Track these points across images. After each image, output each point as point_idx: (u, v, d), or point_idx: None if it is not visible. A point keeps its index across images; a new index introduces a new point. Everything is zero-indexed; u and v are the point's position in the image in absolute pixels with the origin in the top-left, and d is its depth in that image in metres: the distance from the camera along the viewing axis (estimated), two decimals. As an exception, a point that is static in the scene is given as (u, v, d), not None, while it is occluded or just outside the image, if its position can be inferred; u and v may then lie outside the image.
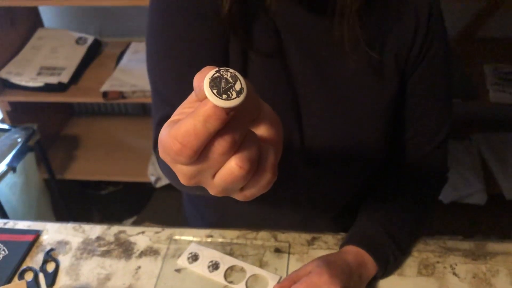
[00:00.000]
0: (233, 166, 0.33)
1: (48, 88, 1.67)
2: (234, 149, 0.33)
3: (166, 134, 0.33)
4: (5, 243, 0.82)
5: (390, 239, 0.72)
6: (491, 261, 0.75)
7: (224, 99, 0.31)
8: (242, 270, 0.75)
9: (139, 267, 0.77)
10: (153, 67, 0.68)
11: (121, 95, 1.63)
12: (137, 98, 1.63)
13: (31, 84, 1.66)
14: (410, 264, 0.75)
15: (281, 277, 0.73)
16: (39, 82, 1.66)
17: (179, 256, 0.77)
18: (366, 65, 0.67)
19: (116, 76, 1.70)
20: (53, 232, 0.84)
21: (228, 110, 0.32)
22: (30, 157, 1.63)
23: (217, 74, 0.32)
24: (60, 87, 1.67)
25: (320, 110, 0.69)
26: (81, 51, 1.79)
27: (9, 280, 0.76)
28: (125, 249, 0.80)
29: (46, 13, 1.94)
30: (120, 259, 0.78)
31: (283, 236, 0.80)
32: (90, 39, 1.83)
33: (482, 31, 1.77)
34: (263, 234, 0.80)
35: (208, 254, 0.77)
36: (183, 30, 0.65)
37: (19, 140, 1.57)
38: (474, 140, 1.88)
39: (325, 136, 0.71)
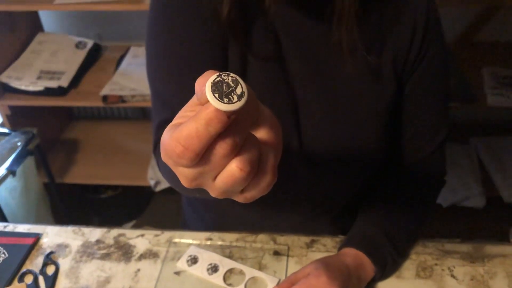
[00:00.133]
0: (234, 168, 0.34)
1: (48, 92, 1.68)
2: (235, 151, 0.34)
3: (168, 137, 0.34)
4: (5, 246, 0.82)
5: (388, 241, 0.72)
6: (489, 263, 0.75)
7: (226, 103, 0.32)
8: (241, 272, 0.75)
9: (138, 270, 0.77)
10: (153, 70, 0.69)
11: (121, 99, 1.63)
12: (136, 102, 1.64)
13: (31, 88, 1.67)
14: (408, 267, 0.75)
15: (280, 280, 0.73)
16: (39, 86, 1.67)
17: (179, 258, 0.78)
18: (364, 68, 0.68)
19: (115, 80, 1.71)
20: (53, 235, 0.84)
21: (229, 114, 0.32)
22: (30, 161, 1.63)
23: (219, 78, 0.32)
24: (60, 91, 1.68)
25: (319, 112, 0.70)
26: (81, 55, 1.80)
27: (9, 283, 0.76)
28: (125, 252, 0.80)
29: (46, 18, 1.95)
30: (119, 262, 0.79)
31: (282, 239, 0.80)
32: (89, 43, 1.84)
33: (480, 35, 1.78)
34: (262, 237, 0.81)
35: (207, 257, 0.78)
36: (183, 33, 0.66)
37: (18, 144, 1.57)
38: (473, 144, 1.89)
39: (324, 138, 0.71)
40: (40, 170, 1.74)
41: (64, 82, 1.69)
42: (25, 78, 1.69)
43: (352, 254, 0.70)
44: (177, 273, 0.76)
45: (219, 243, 0.80)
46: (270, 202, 0.80)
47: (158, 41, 0.67)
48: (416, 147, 0.77)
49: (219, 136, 0.33)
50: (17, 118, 1.76)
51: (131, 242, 0.82)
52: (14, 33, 1.78)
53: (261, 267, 0.76)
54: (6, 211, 1.50)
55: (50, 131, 2.01)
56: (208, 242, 0.81)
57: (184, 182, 0.37)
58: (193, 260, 0.77)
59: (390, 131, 0.74)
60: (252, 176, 0.35)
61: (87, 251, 0.81)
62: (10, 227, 0.86)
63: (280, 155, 0.38)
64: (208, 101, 0.32)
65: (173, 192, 1.94)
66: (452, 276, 0.73)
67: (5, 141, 1.59)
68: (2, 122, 1.76)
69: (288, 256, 0.78)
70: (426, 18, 0.69)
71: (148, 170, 1.89)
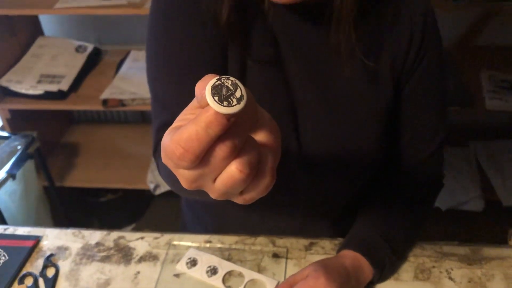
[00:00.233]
0: (234, 170, 0.34)
1: (48, 96, 1.68)
2: (235, 154, 0.34)
3: (169, 139, 0.34)
4: (5, 248, 0.82)
5: (386, 244, 0.73)
6: (486, 265, 0.75)
7: (225, 106, 0.32)
8: (240, 275, 0.76)
9: (138, 272, 0.77)
10: (153, 73, 0.70)
11: (121, 102, 1.64)
12: (136, 106, 1.65)
13: (31, 92, 1.68)
14: (407, 269, 0.76)
15: (278, 282, 0.74)
16: (39, 90, 1.68)
17: (178, 261, 0.78)
18: (362, 72, 0.69)
19: (115, 84, 1.72)
20: (53, 238, 0.85)
21: (229, 117, 0.33)
22: (30, 164, 1.64)
23: (218, 82, 0.33)
24: (60, 95, 1.68)
25: (318, 115, 0.70)
26: (81, 59, 1.81)
27: (9, 285, 0.76)
28: (125, 254, 0.81)
29: (46, 22, 1.96)
30: (119, 264, 0.79)
31: (281, 241, 0.81)
32: (90, 47, 1.85)
33: (478, 40, 1.79)
34: (261, 239, 0.81)
35: (206, 259, 0.78)
36: (182, 36, 0.67)
37: (18, 147, 1.58)
38: (472, 147, 1.90)
39: (322, 141, 0.72)
40: (40, 173, 1.75)
41: (64, 85, 1.70)
42: (25, 82, 1.70)
43: (351, 256, 0.71)
44: (177, 275, 0.77)
45: (218, 245, 0.81)
46: (269, 205, 0.81)
47: (158, 44, 0.68)
48: (414, 149, 0.78)
49: (219, 139, 0.33)
50: (17, 122, 1.76)
51: (131, 244, 0.82)
52: (15, 37, 1.78)
53: (260, 270, 0.76)
54: (6, 215, 1.51)
55: (50, 135, 2.02)
56: (208, 245, 0.81)
57: (184, 184, 0.37)
58: (193, 263, 0.78)
59: (389, 133, 0.75)
60: (251, 178, 0.35)
61: (87, 254, 0.81)
62: (10, 229, 0.87)
63: (279, 158, 0.38)
64: (208, 104, 0.33)
65: (173, 195, 1.94)
66: (450, 278, 0.74)
67: (5, 145, 1.60)
68: (2, 126, 1.76)
69: (287, 258, 0.78)
70: (424, 22, 0.70)
71: (147, 173, 1.90)
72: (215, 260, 0.78)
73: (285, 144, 0.70)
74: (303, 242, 0.81)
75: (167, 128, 0.37)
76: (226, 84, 0.33)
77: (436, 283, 0.73)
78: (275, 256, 0.79)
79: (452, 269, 0.75)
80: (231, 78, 0.33)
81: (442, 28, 0.73)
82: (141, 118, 2.16)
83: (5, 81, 1.69)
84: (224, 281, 0.75)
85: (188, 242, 0.81)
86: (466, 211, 1.72)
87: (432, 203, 0.83)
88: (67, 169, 1.95)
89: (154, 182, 1.86)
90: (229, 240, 0.81)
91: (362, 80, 0.69)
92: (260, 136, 0.37)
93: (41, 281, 0.77)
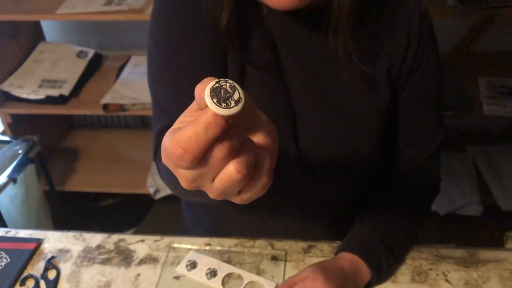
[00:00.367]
0: (232, 170, 0.36)
1: (49, 100, 1.70)
2: (233, 154, 0.35)
3: (169, 140, 0.36)
4: (7, 251, 0.83)
5: (384, 246, 0.73)
6: (483, 268, 0.76)
7: (224, 108, 0.33)
8: (240, 277, 0.77)
9: (138, 275, 0.78)
10: (154, 77, 0.71)
11: (121, 107, 1.65)
12: (137, 111, 1.66)
13: (32, 96, 1.69)
14: (404, 271, 0.77)
15: (277, 284, 0.75)
16: (40, 95, 1.69)
17: (178, 263, 0.79)
18: (360, 77, 0.70)
19: (116, 89, 1.73)
20: (54, 241, 0.85)
21: (227, 118, 0.34)
22: (31, 168, 1.65)
23: (217, 84, 0.34)
24: (61, 100, 1.70)
25: (315, 120, 0.72)
26: (82, 64, 1.82)
27: (11, 287, 0.77)
28: (125, 257, 0.82)
29: (48, 27, 1.97)
30: (120, 266, 0.80)
31: (279, 244, 0.82)
32: (91, 52, 1.86)
33: (476, 46, 1.81)
34: (260, 242, 0.82)
35: (206, 262, 0.79)
36: (183, 42, 0.68)
37: (20, 151, 1.59)
38: (470, 152, 1.91)
39: (320, 145, 0.73)
40: (41, 177, 1.76)
41: (65, 90, 1.71)
42: (27, 87, 1.71)
43: (349, 258, 0.71)
44: (177, 277, 0.77)
45: (218, 248, 0.82)
46: (268, 206, 0.82)
47: (159, 48, 0.69)
48: (411, 152, 0.79)
49: (217, 140, 0.34)
50: (18, 126, 1.77)
51: (131, 247, 0.83)
52: (16, 42, 1.80)
53: (259, 272, 0.77)
54: (6, 219, 1.51)
55: (51, 139, 2.03)
56: (207, 247, 0.82)
57: (184, 184, 0.38)
58: (192, 265, 0.79)
59: (386, 137, 0.76)
60: (248, 178, 0.37)
61: (87, 256, 0.82)
62: (12, 232, 0.88)
63: (276, 159, 0.39)
64: (207, 106, 0.34)
65: (173, 200, 1.94)
66: (447, 280, 0.75)
67: (6, 149, 1.61)
68: (3, 130, 1.77)
69: (285, 261, 0.79)
70: (420, 28, 0.71)
71: (148, 178, 1.90)
72: (214, 263, 0.79)
73: (284, 146, 0.72)
74: (302, 244, 0.81)
75: (167, 131, 0.38)
76: (224, 86, 0.34)
77: (433, 285, 0.74)
78: (274, 258, 0.79)
79: (448, 272, 0.76)
80: (230, 81, 0.34)
81: (440, 34, 0.75)
82: (141, 123, 2.17)
83: (7, 86, 1.70)
84: (223, 283, 0.76)
85: (188, 245, 0.82)
86: (464, 215, 1.72)
87: (429, 207, 0.84)
88: (68, 174, 1.96)
89: (154, 187, 1.87)
90: (228, 243, 0.82)
91: (360, 84, 0.71)
92: (258, 138, 0.38)
93: (42, 283, 0.77)
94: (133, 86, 1.73)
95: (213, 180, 0.37)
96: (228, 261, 0.79)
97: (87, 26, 1.99)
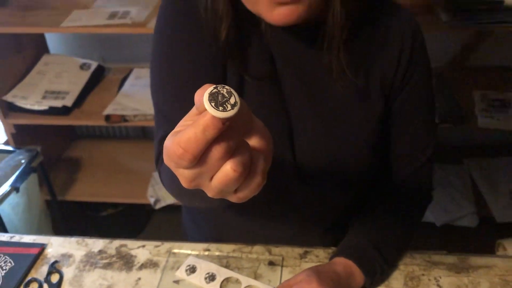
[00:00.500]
0: (228, 169, 0.39)
1: (52, 111, 1.73)
2: (229, 154, 0.38)
3: (171, 142, 0.39)
4: (11, 255, 0.85)
5: (377, 252, 0.76)
6: (473, 274, 0.79)
7: (221, 111, 0.36)
8: (237, 281, 0.79)
9: (139, 279, 0.81)
10: (156, 87, 0.74)
11: (123, 118, 1.68)
12: (138, 122, 1.69)
13: (36, 107, 1.72)
14: (397, 277, 0.79)
15: (274, 288, 0.77)
16: (43, 106, 1.72)
17: (178, 268, 0.81)
18: (353, 89, 0.73)
19: (118, 100, 1.76)
20: (57, 246, 0.88)
21: (224, 121, 0.37)
22: (33, 178, 1.68)
23: (215, 90, 0.37)
24: (64, 111, 1.73)
25: (311, 130, 0.75)
26: (85, 76, 1.86)
27: (15, 290, 0.79)
28: (126, 261, 0.84)
29: (52, 40, 2.01)
30: (121, 271, 0.82)
31: (276, 250, 0.84)
32: (94, 65, 1.90)
33: (471, 60, 1.84)
34: (257, 248, 0.84)
35: (205, 267, 0.81)
36: (185, 52, 0.71)
37: (22, 161, 1.62)
38: (466, 165, 1.94)
39: (316, 154, 0.76)
40: (43, 187, 1.78)
41: (68, 101, 1.74)
42: (31, 98, 1.74)
43: (343, 263, 0.74)
44: (176, 281, 0.80)
45: (217, 253, 0.84)
46: (265, 214, 0.84)
47: (161, 59, 0.73)
48: (404, 162, 0.82)
49: (215, 141, 0.37)
50: (21, 137, 1.80)
51: (132, 252, 0.86)
52: (21, 54, 1.84)
53: (256, 276, 0.79)
54: (8, 227, 1.54)
55: (53, 150, 2.06)
56: (206, 253, 0.84)
57: (184, 183, 0.41)
58: (192, 269, 0.81)
59: (380, 146, 0.79)
60: (244, 177, 0.40)
61: (90, 261, 0.84)
62: (16, 237, 0.90)
63: (270, 161, 0.42)
64: (205, 110, 0.37)
65: (173, 210, 1.96)
66: (438, 286, 0.77)
67: (10, 159, 1.64)
68: (6, 140, 1.80)
69: (282, 266, 0.81)
70: (412, 41, 0.74)
71: (148, 188, 1.93)
72: (213, 267, 0.81)
73: (281, 154, 0.74)
74: (298, 250, 0.84)
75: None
76: (222, 92, 0.37)
77: (425, 290, 0.76)
78: (271, 264, 0.82)
79: (440, 277, 0.78)
80: (226, 87, 0.37)
81: (436, 48, 0.78)
82: (142, 134, 2.20)
83: (11, 97, 1.74)
84: (221, 287, 0.78)
85: (187, 250, 0.85)
86: (460, 226, 1.75)
87: (422, 214, 0.86)
88: (69, 183, 1.98)
89: (154, 197, 1.89)
90: (227, 249, 0.85)
91: (353, 97, 0.74)
92: (253, 141, 0.41)
93: (45, 287, 0.80)
94: (135, 98, 1.76)
95: (211, 179, 0.40)
96: (227, 266, 0.81)
97: (90, 39, 2.03)
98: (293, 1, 0.60)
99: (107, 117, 1.69)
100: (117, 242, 0.88)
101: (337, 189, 0.81)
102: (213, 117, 0.36)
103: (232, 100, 0.37)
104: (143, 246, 0.87)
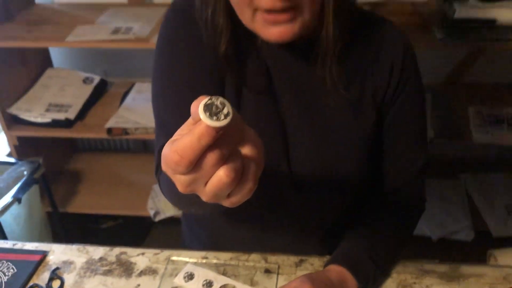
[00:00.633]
0: (222, 174, 0.41)
1: (55, 124, 1.76)
2: (222, 161, 0.41)
3: (168, 149, 0.42)
4: (14, 262, 0.88)
5: (370, 260, 0.78)
6: (464, 282, 0.81)
7: (214, 121, 0.39)
8: (234, 288, 0.81)
9: (138, 285, 0.82)
10: (157, 99, 0.77)
11: (124, 131, 1.71)
12: (139, 134, 1.72)
13: (39, 120, 1.75)
14: (390, 285, 0.81)
15: (269, 295, 0.79)
16: (47, 118, 1.75)
17: (176, 275, 0.83)
18: (346, 102, 0.76)
19: (120, 113, 1.79)
20: (59, 253, 0.90)
21: (217, 129, 0.40)
22: (35, 189, 1.70)
23: (210, 101, 0.40)
24: (66, 123, 1.76)
25: (306, 140, 0.77)
26: (87, 90, 1.89)
27: (17, 295, 0.81)
28: (126, 268, 0.86)
29: (56, 54, 2.05)
30: (121, 277, 0.84)
31: (273, 258, 0.86)
32: (96, 79, 1.93)
33: (466, 77, 1.88)
34: (254, 256, 0.87)
35: (203, 274, 0.83)
36: (184, 67, 0.75)
37: (25, 173, 1.64)
38: (462, 180, 1.96)
39: (310, 164, 0.78)
40: (44, 198, 1.80)
41: (71, 114, 1.77)
42: (34, 110, 1.78)
43: (336, 270, 0.76)
44: (174, 288, 0.82)
45: (214, 261, 0.86)
46: (261, 222, 0.87)
47: (162, 72, 0.76)
48: (396, 173, 0.84)
49: (209, 148, 0.40)
50: (24, 149, 1.83)
51: (132, 259, 0.88)
52: (26, 68, 1.88)
53: (253, 284, 0.81)
54: (9, 237, 1.56)
55: (55, 162, 2.08)
56: (204, 260, 0.86)
57: (180, 188, 0.44)
58: (190, 277, 0.83)
59: (373, 157, 0.81)
60: (236, 182, 0.42)
61: (90, 268, 0.86)
62: (19, 245, 0.92)
63: (261, 168, 0.45)
64: (200, 119, 0.39)
65: (172, 222, 1.97)
66: (430, 293, 0.79)
67: (12, 170, 1.66)
68: (9, 152, 1.83)
69: (278, 274, 0.83)
70: (403, 57, 0.77)
71: (148, 200, 1.95)
72: (210, 275, 0.83)
73: (276, 164, 0.77)
74: (294, 259, 0.86)
75: None
76: (216, 103, 0.40)
77: (417, 298, 0.78)
78: (267, 271, 0.84)
79: (432, 285, 0.80)
80: (220, 98, 0.40)
81: (431, 65, 0.81)
82: (143, 147, 2.23)
83: (15, 109, 1.77)
84: (218, 293, 0.80)
85: (186, 258, 0.87)
86: (456, 240, 1.76)
87: (415, 224, 0.89)
88: (70, 195, 2.00)
89: (154, 209, 1.91)
90: (224, 256, 0.87)
91: (346, 109, 0.77)
92: (246, 149, 0.44)
93: (47, 292, 0.82)
94: (136, 112, 1.79)
95: (205, 184, 0.43)
96: (224, 273, 0.84)
97: (94, 53, 2.07)
98: (287, 20, 0.63)
99: (109, 130, 1.72)
100: (117, 250, 0.90)
101: (331, 198, 0.84)
102: (208, 126, 0.39)
103: (225, 111, 0.40)
104: (143, 253, 0.89)
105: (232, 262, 0.86)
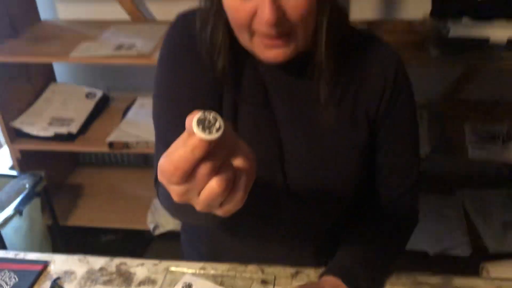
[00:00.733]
0: (214, 185, 0.44)
1: (57, 137, 1.79)
2: (215, 172, 0.44)
3: (164, 160, 0.44)
4: (16, 271, 0.89)
5: (364, 271, 0.80)
6: (456, 294, 0.82)
7: (207, 134, 0.42)
8: (231, 298, 0.83)
9: (137, 295, 0.84)
10: (158, 113, 0.81)
11: (125, 145, 1.74)
12: (140, 148, 1.74)
13: (42, 133, 1.78)
14: (383, 296, 0.83)
15: (266, 305, 0.81)
16: (49, 132, 1.78)
17: (174, 285, 0.85)
18: (340, 117, 0.79)
19: (122, 128, 1.82)
20: (60, 263, 0.92)
21: (210, 142, 0.42)
22: (36, 202, 1.72)
23: (203, 115, 0.43)
24: (69, 137, 1.79)
25: (301, 152, 0.80)
26: (90, 104, 1.92)
27: (19, 304, 0.83)
28: (125, 278, 0.88)
29: (60, 69, 2.09)
30: (120, 287, 0.86)
31: (269, 269, 0.88)
32: (99, 94, 1.97)
33: (461, 94, 1.92)
34: (251, 267, 0.88)
35: (200, 284, 0.85)
36: (184, 82, 0.78)
37: (26, 186, 1.66)
38: (459, 196, 1.98)
39: (306, 175, 0.81)
40: (45, 211, 1.82)
41: (74, 128, 1.80)
42: (37, 124, 1.81)
43: (331, 281, 0.78)
44: (173, 298, 0.83)
45: (212, 272, 0.88)
46: (257, 233, 0.89)
47: (163, 87, 0.80)
48: (389, 186, 0.87)
49: (202, 160, 0.43)
50: (26, 162, 1.86)
51: (132, 270, 0.90)
52: (30, 82, 1.91)
53: (249, 294, 0.83)
54: (10, 249, 1.57)
55: (57, 176, 2.11)
56: (202, 271, 0.88)
57: (175, 197, 0.46)
58: (188, 287, 0.85)
59: (366, 170, 0.84)
60: (227, 192, 0.45)
61: (91, 277, 0.88)
62: (21, 255, 0.94)
63: (253, 180, 0.48)
64: (194, 133, 0.42)
65: (171, 236, 1.99)
66: (423, 305, 0.81)
67: (14, 183, 1.68)
68: (12, 165, 1.86)
69: (274, 285, 0.85)
70: (395, 74, 0.80)
71: (148, 214, 1.97)
72: (208, 286, 0.85)
73: (272, 177, 0.80)
74: (290, 270, 0.88)
75: None
76: (208, 117, 0.42)
77: (410, 309, 0.80)
78: (264, 282, 0.86)
79: (424, 297, 0.82)
80: (213, 113, 0.43)
81: (427, 83, 0.83)
82: (144, 161, 2.26)
83: (18, 123, 1.80)
84: (216, 303, 0.82)
85: (184, 269, 0.89)
86: (453, 256, 1.77)
87: (408, 236, 0.91)
88: (71, 209, 2.02)
89: (153, 223, 1.93)
90: (222, 268, 0.89)
91: (340, 124, 0.79)
92: (238, 161, 0.46)
93: (48, 301, 0.84)
94: (138, 126, 1.82)
95: (199, 194, 0.45)
96: (221, 284, 0.85)
97: (96, 69, 2.10)
98: (282, 45, 0.68)
99: (111, 144, 1.75)
100: (117, 260, 0.92)
101: (325, 209, 0.86)
102: (200, 139, 0.42)
103: (217, 125, 0.42)
104: (142, 264, 0.91)
105: (230, 273, 0.88)
